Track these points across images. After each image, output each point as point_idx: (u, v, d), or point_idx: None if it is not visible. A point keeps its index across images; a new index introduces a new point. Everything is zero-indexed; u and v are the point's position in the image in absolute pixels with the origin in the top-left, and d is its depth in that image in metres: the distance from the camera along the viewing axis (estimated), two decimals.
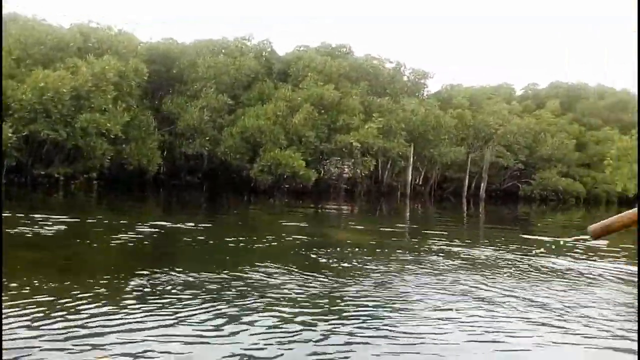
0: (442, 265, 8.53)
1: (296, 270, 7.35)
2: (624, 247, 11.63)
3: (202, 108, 31.75)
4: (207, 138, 32.16)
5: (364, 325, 5.00)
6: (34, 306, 4.82)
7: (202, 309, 5.19)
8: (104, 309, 4.97)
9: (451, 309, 5.76)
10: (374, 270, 7.82)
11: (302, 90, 33.71)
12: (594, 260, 9.87)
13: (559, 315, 5.71)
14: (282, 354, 4.12)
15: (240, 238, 10.76)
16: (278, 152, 30.64)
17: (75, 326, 4.38)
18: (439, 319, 5.34)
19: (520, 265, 8.89)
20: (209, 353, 4.07)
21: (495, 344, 4.69)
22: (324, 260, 8.45)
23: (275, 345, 4.27)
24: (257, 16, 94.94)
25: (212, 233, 12.06)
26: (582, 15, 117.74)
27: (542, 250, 11.30)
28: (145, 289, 5.86)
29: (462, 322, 5.27)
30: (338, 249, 9.83)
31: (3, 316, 4.27)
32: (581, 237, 12.76)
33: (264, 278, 6.77)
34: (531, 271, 8.42)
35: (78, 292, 5.46)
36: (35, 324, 4.38)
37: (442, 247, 10.79)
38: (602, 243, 11.91)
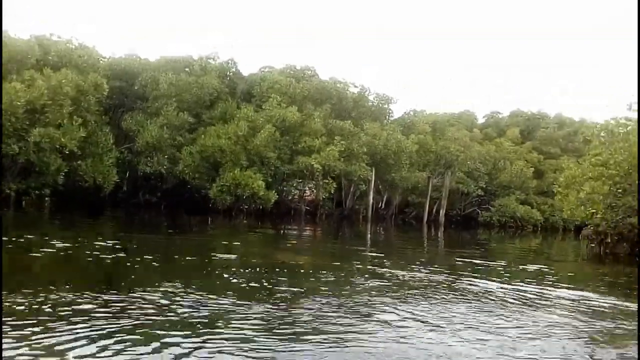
0: (379, 289, 8.45)
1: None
2: (581, 273, 11.89)
3: (162, 126, 31.34)
4: (166, 156, 31.71)
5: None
6: None
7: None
8: None
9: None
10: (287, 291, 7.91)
11: (264, 110, 33.63)
12: (548, 285, 10.08)
13: (513, 340, 5.84)
14: None
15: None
16: (238, 172, 30.33)
17: None
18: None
19: (474, 290, 8.98)
20: None
21: None
22: (235, 281, 8.54)
23: None
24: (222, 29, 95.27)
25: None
26: (547, 43, 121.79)
27: (494, 275, 11.38)
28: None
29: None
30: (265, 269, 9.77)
31: None
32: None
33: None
34: (485, 296, 8.52)
35: None
36: None
37: (386, 270, 10.74)
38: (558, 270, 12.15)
